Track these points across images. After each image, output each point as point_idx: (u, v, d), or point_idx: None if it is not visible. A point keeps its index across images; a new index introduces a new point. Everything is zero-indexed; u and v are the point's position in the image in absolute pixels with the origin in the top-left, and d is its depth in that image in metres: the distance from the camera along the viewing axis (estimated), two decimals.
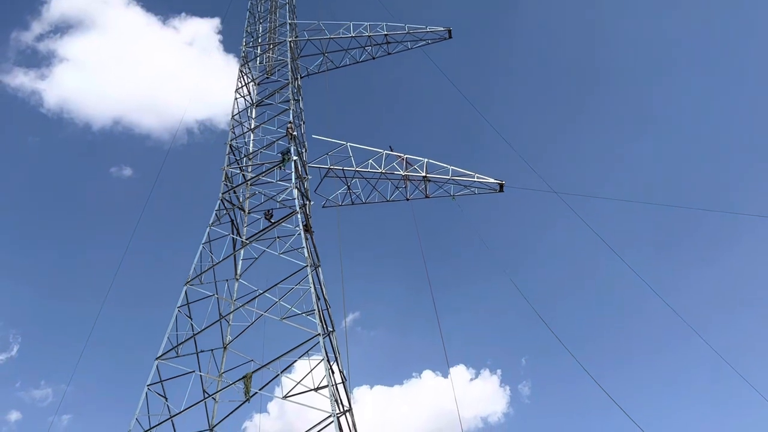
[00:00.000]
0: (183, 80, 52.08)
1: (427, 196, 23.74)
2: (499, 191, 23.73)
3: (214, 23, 57.65)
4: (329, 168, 24.02)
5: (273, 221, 21.51)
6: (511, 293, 47.52)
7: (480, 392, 46.91)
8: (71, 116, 51.30)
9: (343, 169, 24.03)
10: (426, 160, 23.94)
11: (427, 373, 44.93)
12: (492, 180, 23.61)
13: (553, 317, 21.55)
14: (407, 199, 23.89)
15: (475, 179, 23.53)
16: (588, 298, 51.64)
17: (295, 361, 17.42)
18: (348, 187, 24.14)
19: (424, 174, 23.77)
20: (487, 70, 62.52)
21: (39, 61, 54.92)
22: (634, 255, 47.24)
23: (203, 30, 58.70)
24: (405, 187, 23.86)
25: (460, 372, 45.83)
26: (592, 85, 61.64)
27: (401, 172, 23.91)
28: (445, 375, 40.05)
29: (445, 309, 47.17)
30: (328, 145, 24.25)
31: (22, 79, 51.37)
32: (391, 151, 24.07)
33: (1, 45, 53.90)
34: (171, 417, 16.85)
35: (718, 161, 54.82)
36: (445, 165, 23.79)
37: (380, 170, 23.90)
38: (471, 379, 47.15)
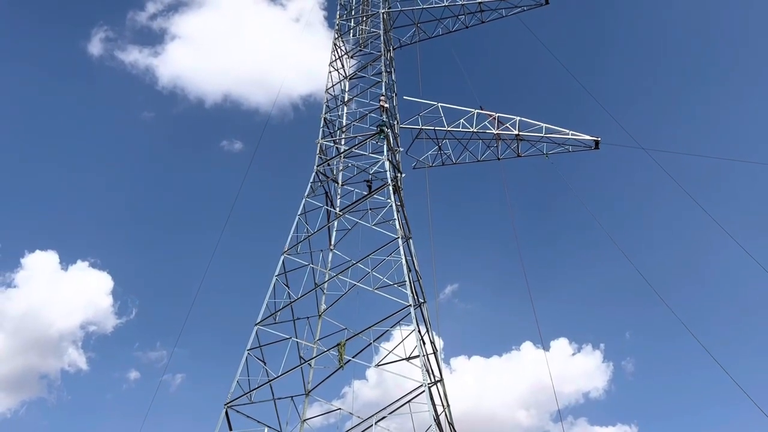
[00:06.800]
0: (289, 56, 52.50)
1: (519, 155, 22.50)
2: (595, 148, 21.70)
3: None
4: (420, 128, 23.73)
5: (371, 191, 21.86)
6: (614, 264, 44.46)
7: (582, 367, 45.41)
8: (184, 92, 53.31)
9: (434, 129, 23.58)
10: (518, 118, 22.57)
11: (527, 345, 43.91)
12: (587, 137, 21.67)
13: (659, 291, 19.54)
14: (498, 159, 22.84)
15: (570, 136, 21.81)
16: (690, 270, 46.89)
17: (386, 331, 17.77)
18: (439, 147, 23.72)
19: (516, 132, 22.51)
20: (584, 36, 57.20)
21: (153, 38, 58.28)
22: (739, 221, 41.77)
23: (308, 6, 59.31)
24: (496, 146, 22.84)
25: (561, 345, 44.58)
26: (693, 40, 53.96)
27: (493, 131, 22.88)
28: (546, 348, 38.53)
29: (548, 280, 45.47)
30: (420, 106, 23.96)
31: (136, 56, 53.22)
32: (482, 110, 23.11)
33: (118, 24, 56.84)
34: (269, 381, 17.88)
35: None
36: (539, 123, 22.32)
37: (472, 129, 23.09)
38: (573, 354, 45.62)
